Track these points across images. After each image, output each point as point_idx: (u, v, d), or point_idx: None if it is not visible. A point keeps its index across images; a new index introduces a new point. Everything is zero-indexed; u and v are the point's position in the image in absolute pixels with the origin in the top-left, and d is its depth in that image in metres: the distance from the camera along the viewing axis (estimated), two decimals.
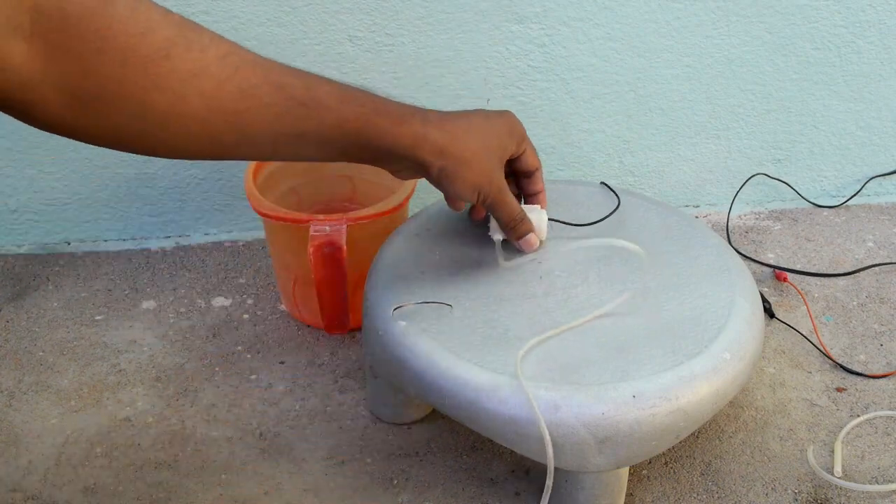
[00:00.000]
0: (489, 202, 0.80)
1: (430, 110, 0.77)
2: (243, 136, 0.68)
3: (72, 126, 0.62)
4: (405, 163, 0.76)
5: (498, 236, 0.84)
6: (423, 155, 0.75)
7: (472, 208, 0.88)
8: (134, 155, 1.11)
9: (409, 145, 0.74)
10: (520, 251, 0.86)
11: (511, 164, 0.84)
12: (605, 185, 0.95)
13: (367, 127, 0.72)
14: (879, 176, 1.20)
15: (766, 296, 1.04)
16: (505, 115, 0.82)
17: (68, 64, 0.59)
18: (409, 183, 0.94)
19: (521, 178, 0.86)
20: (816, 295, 1.06)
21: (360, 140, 0.72)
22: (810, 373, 0.96)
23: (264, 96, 0.67)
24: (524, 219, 0.83)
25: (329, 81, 0.71)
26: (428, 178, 0.78)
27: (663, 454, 0.87)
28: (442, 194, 0.80)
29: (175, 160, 1.08)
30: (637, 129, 1.13)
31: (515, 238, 0.84)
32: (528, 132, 1.11)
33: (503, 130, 0.81)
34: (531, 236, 0.85)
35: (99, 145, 0.65)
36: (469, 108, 1.08)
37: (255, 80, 0.66)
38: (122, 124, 0.63)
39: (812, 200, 1.20)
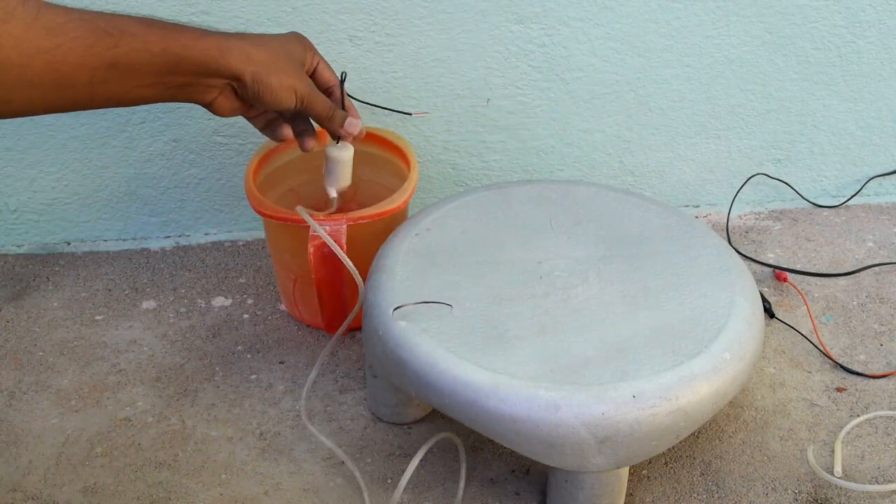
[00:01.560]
0: (305, 102, 0.83)
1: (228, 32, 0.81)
2: (60, 76, 0.71)
3: None
4: (217, 79, 0.79)
5: (332, 192, 0.86)
6: (232, 63, 0.78)
7: (299, 139, 0.89)
8: (134, 155, 1.11)
9: (216, 55, 0.77)
10: (346, 138, 0.88)
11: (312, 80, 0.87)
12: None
13: (173, 45, 0.75)
14: (879, 176, 1.20)
15: (766, 296, 1.04)
16: (292, 31, 0.86)
17: None
18: (410, 183, 0.94)
19: (326, 93, 0.88)
20: (816, 295, 1.06)
21: (168, 60, 0.75)
22: (810, 373, 0.96)
23: (70, 31, 0.70)
24: (336, 107, 0.86)
25: (133, 16, 0.75)
26: (243, 92, 0.80)
27: (663, 454, 0.87)
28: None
29: (176, 160, 1.09)
30: (637, 129, 1.13)
31: (338, 127, 0.87)
32: (528, 132, 1.12)
33: (292, 39, 0.85)
34: (351, 120, 0.87)
35: None
36: (469, 108, 1.09)
37: (61, 19, 0.70)
38: None
39: (812, 200, 1.20)
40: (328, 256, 0.86)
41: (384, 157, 1.01)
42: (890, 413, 0.90)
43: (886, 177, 1.21)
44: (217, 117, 1.06)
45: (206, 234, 1.15)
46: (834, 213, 1.19)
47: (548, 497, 0.81)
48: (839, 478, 0.83)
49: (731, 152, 1.16)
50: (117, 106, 0.80)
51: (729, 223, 1.17)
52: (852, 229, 1.16)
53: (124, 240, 1.14)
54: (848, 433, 0.89)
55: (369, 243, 0.89)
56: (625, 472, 0.78)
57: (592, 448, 0.73)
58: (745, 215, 1.19)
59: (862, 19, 1.09)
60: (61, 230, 1.13)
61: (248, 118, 0.86)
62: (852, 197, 1.20)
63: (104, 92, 0.75)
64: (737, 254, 0.90)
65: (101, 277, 1.08)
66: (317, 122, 0.86)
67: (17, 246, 1.13)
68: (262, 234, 1.14)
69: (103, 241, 1.14)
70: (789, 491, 0.84)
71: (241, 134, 1.08)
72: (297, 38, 0.85)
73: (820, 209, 1.19)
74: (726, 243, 0.90)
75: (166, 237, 1.14)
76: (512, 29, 1.04)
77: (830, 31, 1.09)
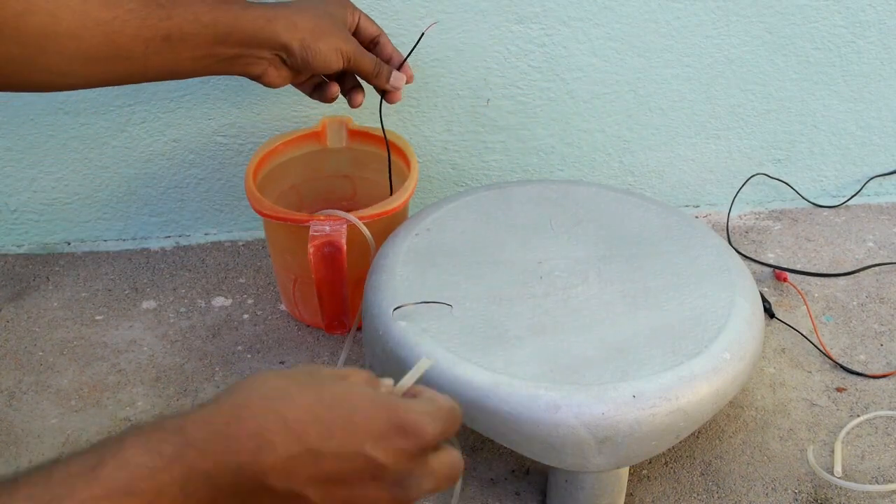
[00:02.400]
0: (353, 61, 0.85)
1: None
2: (116, 48, 0.73)
3: None
4: (267, 50, 0.81)
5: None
6: (279, 32, 0.80)
7: (348, 96, 0.91)
8: (134, 155, 1.11)
9: (263, 26, 0.79)
10: (394, 91, 0.90)
11: (356, 37, 0.88)
12: None
13: (222, 16, 0.78)
14: (879, 176, 1.20)
15: (766, 296, 1.04)
16: None
17: None
18: (410, 183, 0.94)
19: (369, 49, 0.89)
20: (816, 295, 1.06)
21: (218, 31, 0.77)
22: (810, 373, 0.96)
23: (125, 3, 0.73)
24: (382, 62, 0.88)
25: None
26: (292, 60, 0.82)
27: (663, 454, 0.87)
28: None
29: (176, 160, 1.09)
30: (637, 129, 1.13)
31: (384, 82, 0.89)
32: (528, 132, 1.12)
33: (331, 1, 0.87)
34: (395, 73, 0.89)
35: None
36: (469, 108, 1.09)
37: None
38: (5, 53, 0.68)
39: (812, 200, 1.20)
40: (328, 256, 0.86)
41: (384, 157, 1.01)
42: (890, 413, 0.90)
43: (886, 177, 1.21)
44: (217, 118, 1.07)
45: (206, 234, 1.15)
46: (834, 213, 1.19)
47: (548, 497, 0.81)
48: (839, 478, 0.83)
49: (731, 152, 1.16)
50: (169, 79, 0.83)
51: (729, 223, 1.17)
52: (852, 229, 1.16)
53: (124, 240, 1.14)
54: (848, 433, 0.89)
55: (369, 243, 0.89)
56: (625, 472, 0.78)
57: (592, 448, 0.73)
58: (745, 215, 1.19)
59: (862, 19, 1.09)
60: (61, 230, 1.13)
61: (297, 85, 0.88)
62: (852, 197, 1.20)
63: (157, 64, 0.77)
64: (737, 254, 0.90)
65: (101, 277, 1.08)
66: (363, 79, 0.88)
67: (17, 246, 1.13)
68: (262, 234, 1.14)
69: (103, 241, 1.14)
70: (789, 491, 0.84)
71: (241, 134, 1.08)
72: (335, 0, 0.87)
73: (820, 209, 1.19)
74: (726, 243, 0.90)
75: (166, 237, 1.14)
76: (512, 29, 1.04)
77: (830, 31, 1.09)
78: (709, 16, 1.07)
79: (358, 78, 0.91)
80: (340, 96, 0.93)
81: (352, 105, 0.92)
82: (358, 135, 1.02)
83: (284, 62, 0.82)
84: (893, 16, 1.09)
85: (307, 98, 1.07)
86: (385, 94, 0.92)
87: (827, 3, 1.08)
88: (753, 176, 1.18)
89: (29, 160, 1.07)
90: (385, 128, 0.99)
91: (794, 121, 1.15)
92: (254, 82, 1.06)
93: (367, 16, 0.89)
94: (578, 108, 1.11)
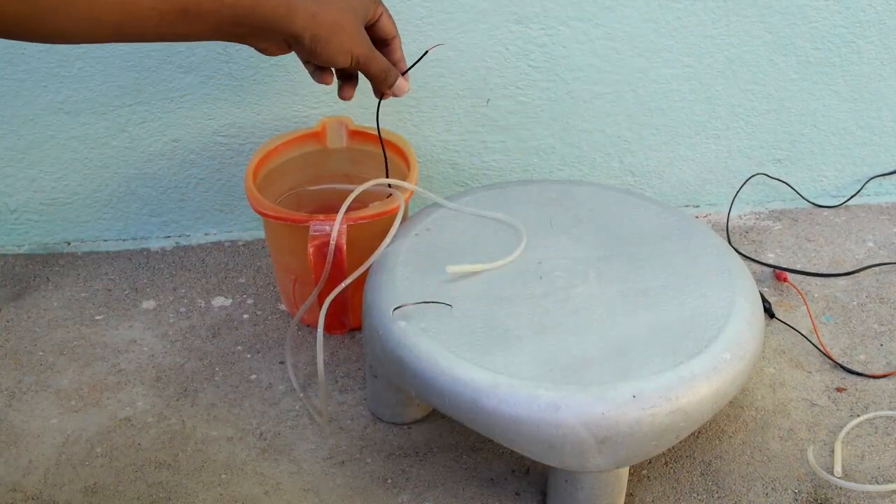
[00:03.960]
0: (361, 62, 0.85)
1: None
2: (129, 16, 0.74)
3: None
4: (276, 35, 0.81)
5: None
6: (296, 22, 0.80)
7: (340, 87, 0.90)
8: (134, 155, 1.11)
9: (283, 14, 0.79)
10: (387, 96, 0.90)
11: (370, 31, 0.88)
12: None
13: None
14: (879, 176, 1.20)
15: (766, 296, 1.04)
16: None
17: None
18: (409, 183, 0.93)
19: (379, 47, 0.89)
20: (816, 295, 1.06)
21: (237, 13, 0.77)
22: (810, 373, 0.96)
23: None
24: (391, 68, 0.87)
25: None
26: (298, 49, 0.82)
27: (663, 454, 0.87)
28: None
29: (176, 160, 1.09)
30: (637, 129, 1.13)
31: (388, 87, 0.88)
32: (528, 132, 1.11)
33: None
34: (400, 81, 0.89)
35: None
36: (469, 108, 1.09)
37: None
38: (16, 11, 0.69)
39: (812, 200, 1.20)
40: (328, 256, 0.86)
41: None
42: (890, 413, 0.90)
43: (886, 177, 1.21)
44: (217, 118, 1.07)
45: (206, 234, 1.15)
46: (834, 213, 1.19)
47: (548, 497, 0.81)
48: (839, 478, 0.83)
49: (731, 152, 1.16)
50: (175, 41, 0.85)
51: (729, 223, 1.17)
52: (852, 229, 1.16)
53: (124, 240, 1.14)
54: (848, 433, 0.89)
55: (369, 243, 0.89)
56: (625, 472, 0.78)
57: (592, 448, 0.73)
58: (745, 215, 1.19)
59: (862, 19, 1.09)
60: (61, 230, 1.13)
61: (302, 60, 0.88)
62: (852, 197, 1.20)
63: (168, 33, 0.77)
64: (737, 254, 0.90)
65: (101, 277, 1.08)
66: (368, 79, 0.88)
67: (17, 246, 1.13)
68: (262, 234, 1.14)
69: (103, 241, 1.14)
70: (789, 491, 0.84)
71: (241, 134, 1.08)
72: None
73: (820, 209, 1.19)
74: (726, 243, 0.90)
75: (166, 237, 1.14)
76: (512, 29, 1.04)
77: (830, 31, 1.09)
78: (709, 16, 1.07)
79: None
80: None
81: (340, 96, 0.91)
82: (358, 135, 1.02)
83: (290, 46, 0.83)
84: (893, 16, 1.09)
85: (307, 98, 1.07)
86: (383, 95, 0.92)
87: (827, 3, 1.08)
88: (753, 176, 1.18)
89: (29, 160, 1.08)
90: (386, 128, 0.99)
91: (794, 121, 1.15)
92: (254, 82, 1.07)
93: (389, 14, 0.89)
94: (578, 108, 1.11)
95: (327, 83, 0.88)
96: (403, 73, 0.90)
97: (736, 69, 1.11)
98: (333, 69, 0.88)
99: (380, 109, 0.93)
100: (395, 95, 0.90)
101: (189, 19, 0.76)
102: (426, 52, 0.93)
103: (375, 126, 0.98)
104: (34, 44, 1.00)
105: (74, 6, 0.71)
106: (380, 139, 0.95)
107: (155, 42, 0.82)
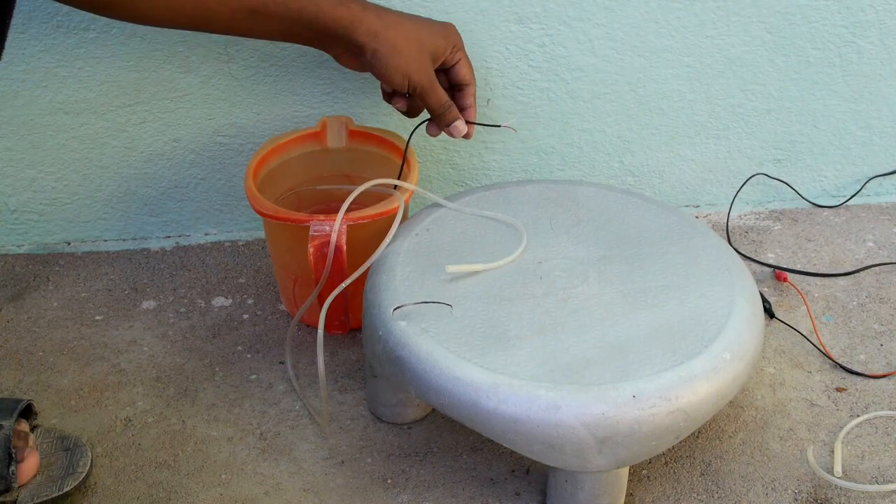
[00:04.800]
0: (419, 91, 0.88)
1: (374, 4, 0.87)
2: (202, 9, 0.80)
3: None
4: (342, 44, 0.86)
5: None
6: (357, 36, 0.84)
7: (400, 99, 0.94)
8: (134, 155, 1.11)
9: (345, 25, 0.84)
10: (445, 131, 0.93)
11: (447, 75, 0.92)
12: None
13: (310, 6, 0.82)
14: (879, 176, 1.20)
15: (766, 296, 1.04)
16: (446, 23, 0.91)
17: None
18: (409, 183, 0.93)
19: (454, 91, 0.93)
20: (816, 295, 1.06)
21: (302, 18, 0.83)
22: (810, 373, 0.96)
23: None
24: (452, 106, 0.91)
25: None
26: (363, 62, 0.87)
27: (663, 454, 0.87)
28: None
29: (176, 160, 1.09)
30: (637, 129, 1.13)
31: (444, 124, 0.92)
32: (527, 132, 1.11)
33: (438, 31, 0.90)
34: (459, 122, 0.92)
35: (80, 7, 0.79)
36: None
37: None
38: None
39: (812, 200, 1.20)
40: (328, 256, 0.86)
41: (384, 157, 1.01)
42: (890, 413, 0.90)
43: (886, 177, 1.20)
44: (217, 118, 1.07)
45: (206, 234, 1.15)
46: (834, 213, 1.19)
47: (548, 497, 0.81)
48: (839, 478, 0.83)
49: (731, 152, 1.16)
50: (249, 38, 0.91)
51: (729, 223, 1.17)
52: (852, 229, 1.16)
53: (124, 240, 1.14)
54: (848, 433, 0.89)
55: (369, 243, 0.88)
56: (625, 472, 0.78)
57: (592, 448, 0.73)
58: (745, 215, 1.19)
59: (862, 19, 1.09)
60: (61, 230, 1.13)
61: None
62: (852, 197, 1.20)
63: (238, 29, 0.84)
64: (737, 254, 0.90)
65: (101, 277, 1.08)
66: (428, 113, 0.92)
67: (17, 246, 1.13)
68: (262, 234, 1.14)
69: (103, 241, 1.14)
70: (789, 491, 0.84)
71: (241, 134, 1.08)
72: (443, 30, 0.91)
73: (820, 209, 1.19)
74: (726, 243, 0.90)
75: (166, 237, 1.14)
76: (512, 29, 1.04)
77: (830, 31, 1.09)
78: (709, 16, 1.07)
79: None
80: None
81: (394, 105, 0.95)
82: (358, 135, 1.02)
83: (359, 58, 0.87)
84: (893, 16, 1.09)
85: (307, 98, 1.07)
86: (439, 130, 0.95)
87: (827, 3, 1.08)
88: (753, 176, 1.18)
89: (29, 160, 1.08)
90: (385, 128, 0.99)
91: (794, 121, 1.15)
92: (254, 82, 1.07)
93: (468, 62, 0.93)
94: (578, 108, 1.11)
95: (398, 107, 0.93)
96: (469, 123, 0.93)
97: (736, 69, 1.11)
98: (406, 103, 0.93)
99: (413, 132, 0.95)
100: (451, 136, 0.93)
101: (258, 18, 0.82)
102: (499, 126, 0.98)
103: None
104: (34, 44, 1.00)
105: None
106: (403, 156, 0.96)
107: (227, 35, 0.90)
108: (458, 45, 0.92)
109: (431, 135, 0.96)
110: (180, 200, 1.12)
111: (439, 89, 0.90)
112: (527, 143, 1.12)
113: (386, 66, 0.86)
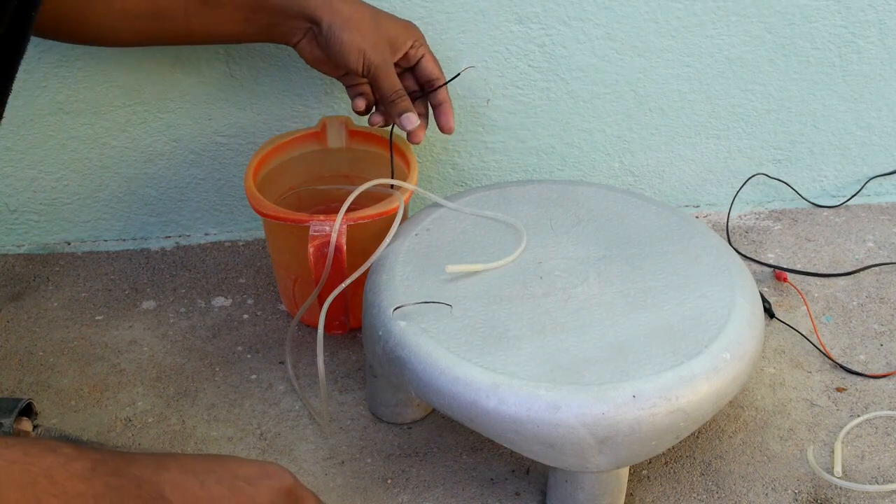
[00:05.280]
0: (373, 70, 0.85)
1: None
2: (156, 7, 0.80)
3: None
4: (301, 23, 0.84)
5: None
6: (312, 7, 0.83)
7: (363, 99, 0.92)
8: (134, 155, 1.11)
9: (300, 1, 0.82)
10: (397, 125, 0.90)
11: (414, 73, 0.90)
12: None
13: None
14: (879, 176, 1.20)
15: (766, 296, 1.04)
16: (407, 20, 0.90)
17: None
18: (409, 183, 0.93)
19: (425, 90, 0.91)
20: (816, 295, 1.06)
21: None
22: (810, 373, 0.96)
23: None
24: (405, 95, 0.88)
25: None
26: (320, 42, 0.85)
27: (663, 454, 0.87)
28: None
29: (176, 160, 1.09)
30: (637, 129, 1.13)
31: (395, 113, 0.89)
32: (527, 132, 1.11)
33: (398, 22, 0.88)
34: (411, 115, 0.89)
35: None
36: (469, 108, 1.09)
37: None
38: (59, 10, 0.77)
39: (812, 200, 1.20)
40: (328, 256, 0.86)
41: (384, 157, 1.01)
42: (890, 413, 0.90)
43: (886, 177, 1.21)
44: (217, 118, 1.07)
45: (206, 234, 1.15)
46: (834, 213, 1.19)
47: (548, 497, 0.81)
48: (839, 478, 0.83)
49: (731, 152, 1.16)
50: (214, 42, 0.89)
51: (729, 223, 1.17)
52: (852, 229, 1.16)
53: (124, 240, 1.14)
54: (848, 433, 0.89)
55: (369, 243, 0.88)
56: (625, 472, 0.78)
57: (592, 448, 0.73)
58: (745, 215, 1.19)
59: (862, 19, 1.09)
60: (61, 230, 1.13)
61: (332, 75, 0.90)
62: (852, 197, 1.20)
63: (198, 26, 0.82)
64: (737, 254, 0.90)
65: (101, 277, 1.08)
66: (379, 100, 0.89)
67: (17, 246, 1.13)
68: (262, 234, 1.14)
69: (103, 241, 1.14)
70: (789, 491, 0.84)
71: (241, 134, 1.08)
72: (404, 24, 0.89)
73: (820, 209, 1.19)
74: (726, 243, 0.90)
75: (166, 237, 1.14)
76: (512, 29, 1.04)
77: (830, 31, 1.09)
78: (709, 16, 1.07)
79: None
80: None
81: (353, 108, 0.92)
82: (358, 135, 1.02)
83: (316, 39, 0.84)
84: (893, 16, 1.09)
85: (307, 98, 1.07)
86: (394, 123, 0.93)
87: (827, 3, 1.08)
88: (753, 176, 1.18)
89: (29, 160, 1.08)
90: (385, 128, 0.99)
91: (794, 121, 1.15)
92: (254, 82, 1.06)
93: (434, 59, 0.91)
94: (578, 108, 1.11)
95: (359, 111, 0.91)
96: (438, 111, 0.91)
97: (736, 69, 1.11)
98: (368, 99, 0.91)
99: (392, 137, 0.94)
100: (402, 128, 0.90)
101: (210, 8, 0.80)
102: (457, 75, 0.93)
103: (373, 131, 0.99)
104: (34, 44, 1.00)
105: (109, 4, 0.78)
106: (391, 166, 0.95)
107: (196, 43, 0.87)
108: (419, 39, 0.90)
109: (373, 124, 0.93)
110: (180, 200, 1.12)
111: (394, 75, 0.88)
112: (527, 143, 1.12)
113: (341, 42, 0.84)
